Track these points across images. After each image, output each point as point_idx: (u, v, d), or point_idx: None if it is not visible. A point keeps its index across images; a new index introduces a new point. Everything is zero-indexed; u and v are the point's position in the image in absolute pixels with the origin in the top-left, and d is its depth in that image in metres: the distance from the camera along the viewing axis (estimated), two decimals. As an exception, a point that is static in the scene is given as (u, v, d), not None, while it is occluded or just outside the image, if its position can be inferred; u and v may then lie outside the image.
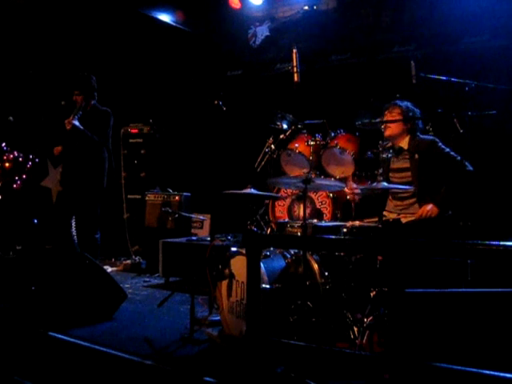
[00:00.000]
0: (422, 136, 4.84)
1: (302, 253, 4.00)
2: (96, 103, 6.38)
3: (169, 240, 6.63)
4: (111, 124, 6.35)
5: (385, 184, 4.14)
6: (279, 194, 6.03)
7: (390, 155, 4.78)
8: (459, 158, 4.56)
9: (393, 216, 4.74)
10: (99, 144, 6.19)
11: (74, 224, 6.37)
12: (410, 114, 4.79)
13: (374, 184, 4.11)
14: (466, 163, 4.50)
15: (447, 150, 4.65)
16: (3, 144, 7.87)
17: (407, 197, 4.73)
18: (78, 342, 4.17)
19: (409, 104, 4.85)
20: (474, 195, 4.58)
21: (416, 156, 4.69)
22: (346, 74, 7.13)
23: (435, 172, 4.62)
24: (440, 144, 4.69)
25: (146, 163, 8.07)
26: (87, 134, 6.04)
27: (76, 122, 5.95)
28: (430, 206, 4.52)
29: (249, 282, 3.05)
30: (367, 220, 4.63)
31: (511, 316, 2.58)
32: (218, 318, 4.41)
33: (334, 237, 4.21)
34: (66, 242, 6.09)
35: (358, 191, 4.90)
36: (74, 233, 6.34)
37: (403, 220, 4.63)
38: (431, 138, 4.79)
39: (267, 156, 6.09)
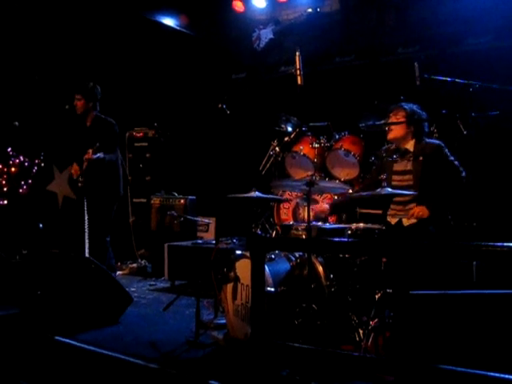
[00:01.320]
0: (428, 139, 4.81)
1: (306, 255, 4.00)
2: (98, 113, 6.23)
3: (174, 243, 6.64)
4: (117, 134, 6.25)
5: (389, 190, 4.12)
6: (284, 197, 6.03)
7: (394, 158, 4.74)
8: (461, 169, 4.54)
9: (394, 220, 4.71)
10: (115, 160, 6.13)
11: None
12: (415, 117, 4.75)
13: (378, 190, 4.09)
14: (464, 175, 4.50)
15: (452, 158, 4.60)
16: (9, 149, 7.89)
17: (408, 201, 4.66)
18: (84, 346, 4.19)
19: (414, 107, 4.81)
20: (478, 196, 4.56)
21: (420, 158, 4.65)
22: (350, 76, 7.12)
23: (437, 177, 4.57)
24: (446, 150, 4.64)
25: (151, 167, 8.10)
26: (106, 159, 5.93)
27: (95, 156, 5.82)
28: (422, 208, 4.49)
29: (253, 285, 3.06)
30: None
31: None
32: (224, 321, 4.42)
33: (338, 239, 4.20)
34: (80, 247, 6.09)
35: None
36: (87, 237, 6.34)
37: (405, 223, 4.61)
38: (437, 142, 4.74)
39: (272, 159, 6.10)
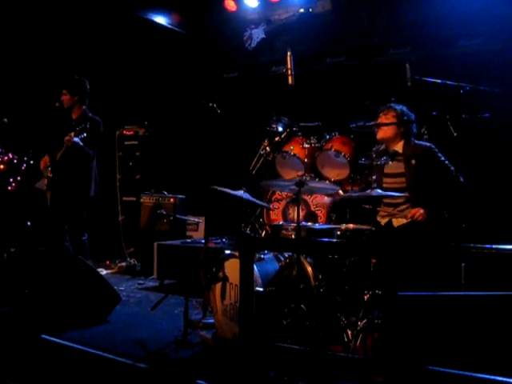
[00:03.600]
0: (418, 141, 4.82)
1: (295, 256, 3.99)
2: (86, 109, 6.21)
3: (163, 242, 6.62)
4: (101, 133, 6.18)
5: (379, 191, 4.12)
6: (274, 197, 6.03)
7: (383, 161, 4.74)
8: (453, 168, 4.56)
9: (385, 221, 4.72)
10: (92, 157, 6.10)
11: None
12: (405, 117, 4.77)
13: (368, 191, 4.09)
14: (458, 174, 4.52)
15: (443, 158, 4.63)
16: (-2, 146, 7.84)
17: (400, 203, 4.68)
18: (72, 344, 4.16)
19: (404, 108, 4.83)
20: (468, 198, 4.58)
21: (413, 161, 4.66)
22: (341, 76, 7.13)
23: (430, 178, 4.59)
24: (437, 152, 4.66)
25: (141, 165, 8.06)
26: (84, 150, 5.90)
27: (76, 139, 5.76)
28: (421, 210, 4.50)
29: (242, 285, 3.05)
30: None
31: (505, 319, 2.58)
32: (212, 320, 4.41)
33: (327, 240, 4.20)
34: (60, 245, 6.02)
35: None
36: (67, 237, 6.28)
37: (395, 224, 4.62)
38: (428, 144, 4.76)
39: (262, 158, 6.09)
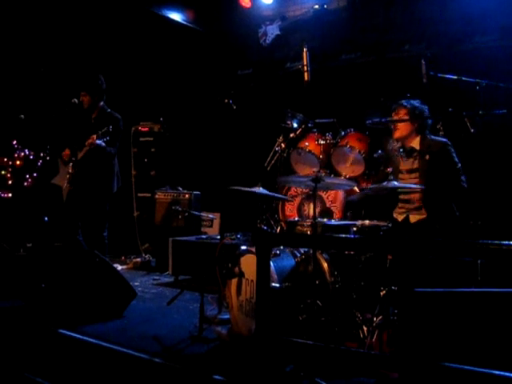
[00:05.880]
0: (433, 137, 4.80)
1: (311, 252, 3.99)
2: (104, 105, 6.27)
3: (178, 238, 6.64)
4: (121, 130, 6.26)
5: (395, 183, 4.11)
6: (289, 193, 6.03)
7: (399, 154, 4.73)
8: (461, 173, 4.54)
9: (401, 217, 4.71)
10: (114, 155, 6.18)
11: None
12: (417, 112, 4.74)
13: (385, 183, 4.09)
14: (463, 178, 4.50)
15: (456, 159, 4.61)
16: (14, 142, 7.89)
17: (413, 199, 4.67)
18: (88, 339, 4.19)
19: (415, 102, 4.80)
20: (483, 195, 4.56)
21: (427, 157, 4.65)
22: (356, 72, 7.11)
23: (442, 174, 4.57)
24: (452, 150, 4.64)
25: (156, 161, 8.09)
26: (107, 151, 5.97)
27: (99, 141, 5.82)
28: None
29: (258, 281, 3.06)
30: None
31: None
32: (228, 316, 4.42)
33: (343, 236, 4.19)
34: (73, 240, 6.06)
35: None
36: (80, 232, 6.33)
37: (412, 220, 4.61)
38: (444, 140, 4.74)
39: (277, 155, 6.09)
